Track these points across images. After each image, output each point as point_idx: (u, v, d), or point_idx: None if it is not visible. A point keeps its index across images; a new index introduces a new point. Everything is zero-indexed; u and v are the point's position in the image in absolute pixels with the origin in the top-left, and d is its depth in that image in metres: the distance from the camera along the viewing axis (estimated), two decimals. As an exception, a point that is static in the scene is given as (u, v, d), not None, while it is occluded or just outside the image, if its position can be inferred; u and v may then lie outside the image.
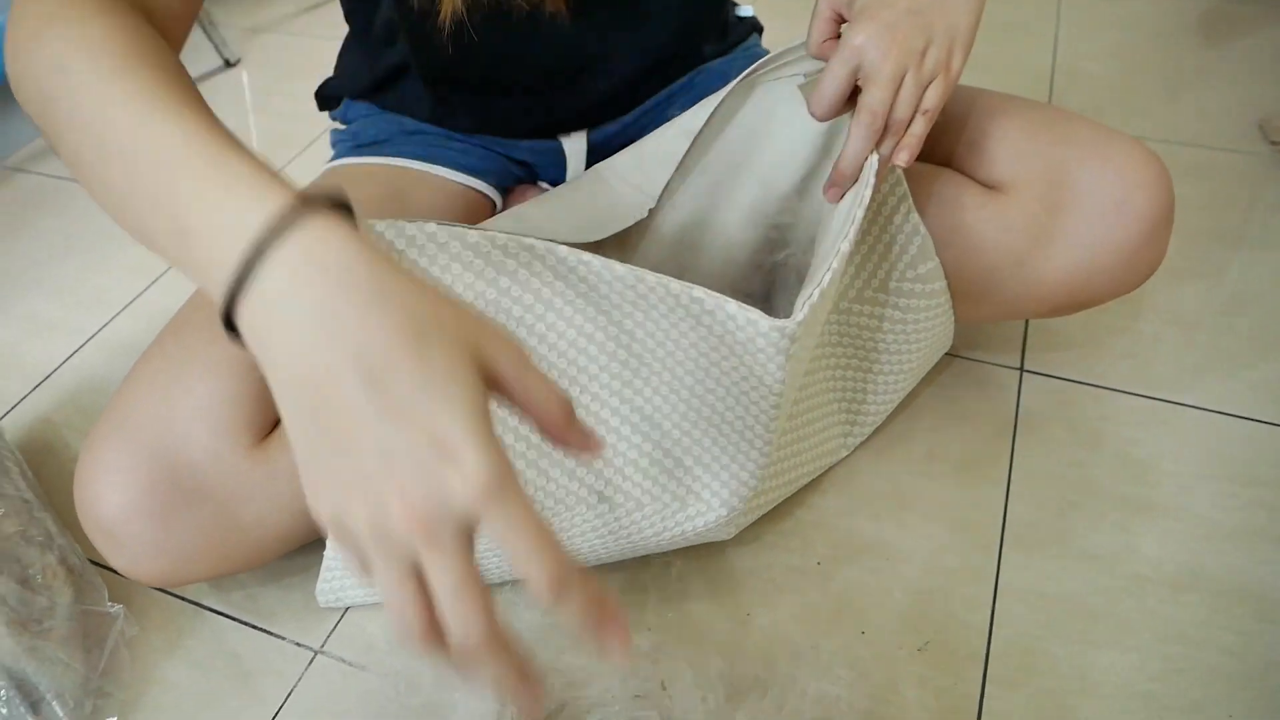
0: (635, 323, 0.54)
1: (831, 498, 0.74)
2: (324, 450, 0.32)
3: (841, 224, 0.55)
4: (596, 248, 0.66)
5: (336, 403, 0.32)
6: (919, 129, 0.58)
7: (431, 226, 0.51)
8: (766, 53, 0.90)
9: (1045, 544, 0.70)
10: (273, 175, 0.37)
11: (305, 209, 0.34)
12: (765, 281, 0.72)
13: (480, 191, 0.82)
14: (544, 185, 0.88)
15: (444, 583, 0.31)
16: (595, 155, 0.82)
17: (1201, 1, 1.45)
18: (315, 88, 0.84)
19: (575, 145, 0.81)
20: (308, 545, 0.66)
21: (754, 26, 0.92)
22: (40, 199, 1.14)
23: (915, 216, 0.66)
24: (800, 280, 0.69)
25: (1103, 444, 0.77)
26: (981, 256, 0.69)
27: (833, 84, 0.58)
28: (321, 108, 0.88)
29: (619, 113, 0.80)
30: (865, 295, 0.69)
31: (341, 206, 0.36)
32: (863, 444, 0.77)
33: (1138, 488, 0.74)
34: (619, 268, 0.51)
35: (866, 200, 0.54)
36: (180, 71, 0.44)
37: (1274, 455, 0.76)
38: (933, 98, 0.57)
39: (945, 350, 0.78)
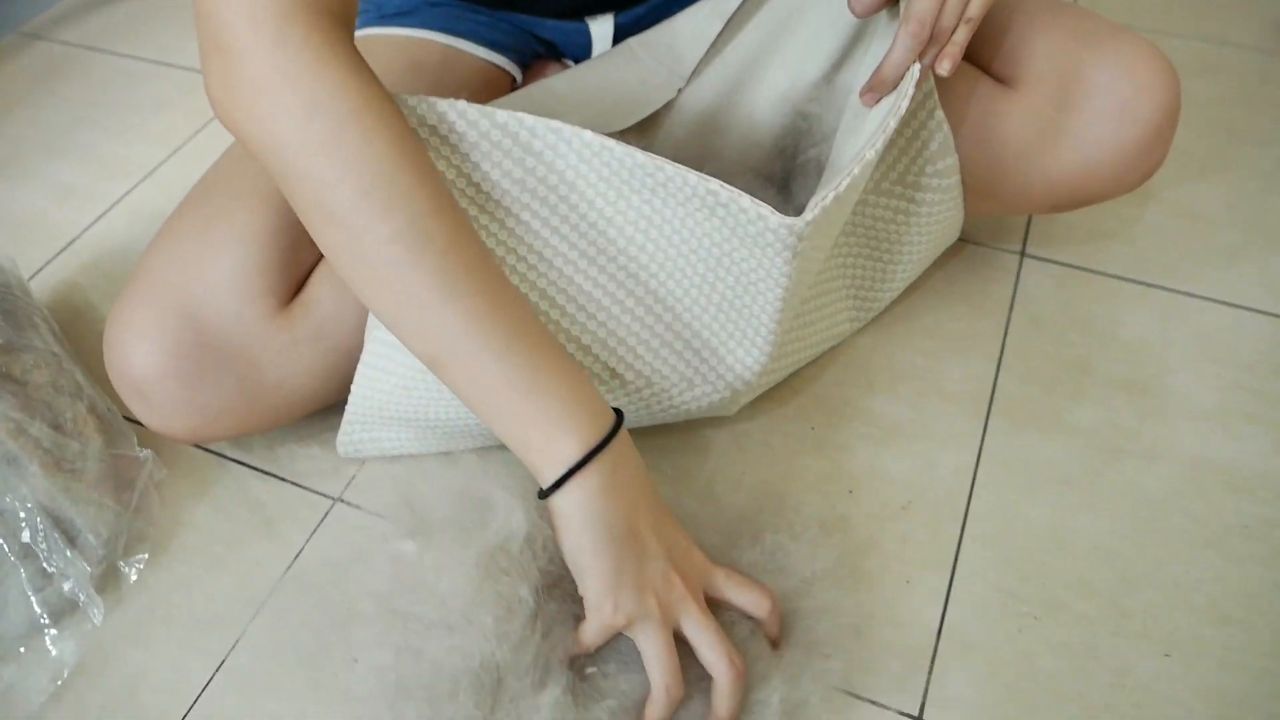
0: (653, 208, 0.56)
1: (830, 370, 0.77)
2: (629, 565, 0.51)
3: (872, 130, 0.56)
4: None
5: (640, 522, 0.52)
6: (961, 37, 0.58)
7: (463, 104, 0.52)
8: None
9: (1030, 416, 0.73)
10: (589, 402, 0.52)
11: (610, 438, 0.51)
12: (786, 167, 0.74)
13: (501, 67, 0.82)
14: (567, 62, 0.88)
15: (704, 629, 0.53)
16: (622, 38, 0.82)
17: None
18: None
19: (602, 28, 0.81)
20: (326, 408, 0.70)
21: None
22: (61, 65, 1.15)
23: (940, 113, 0.67)
24: (820, 169, 0.70)
25: (1094, 326, 0.80)
26: (991, 150, 0.70)
27: None
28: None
29: None
30: (883, 188, 0.71)
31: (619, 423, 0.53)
32: (869, 321, 0.80)
33: (1123, 367, 0.76)
34: (639, 155, 0.52)
35: (903, 111, 0.55)
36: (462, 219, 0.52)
37: (1259, 341, 0.78)
38: (976, 6, 0.57)
39: (954, 239, 0.79)
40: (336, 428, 0.69)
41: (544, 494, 0.51)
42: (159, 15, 1.22)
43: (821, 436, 0.73)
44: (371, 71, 0.50)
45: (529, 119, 0.53)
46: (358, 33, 0.81)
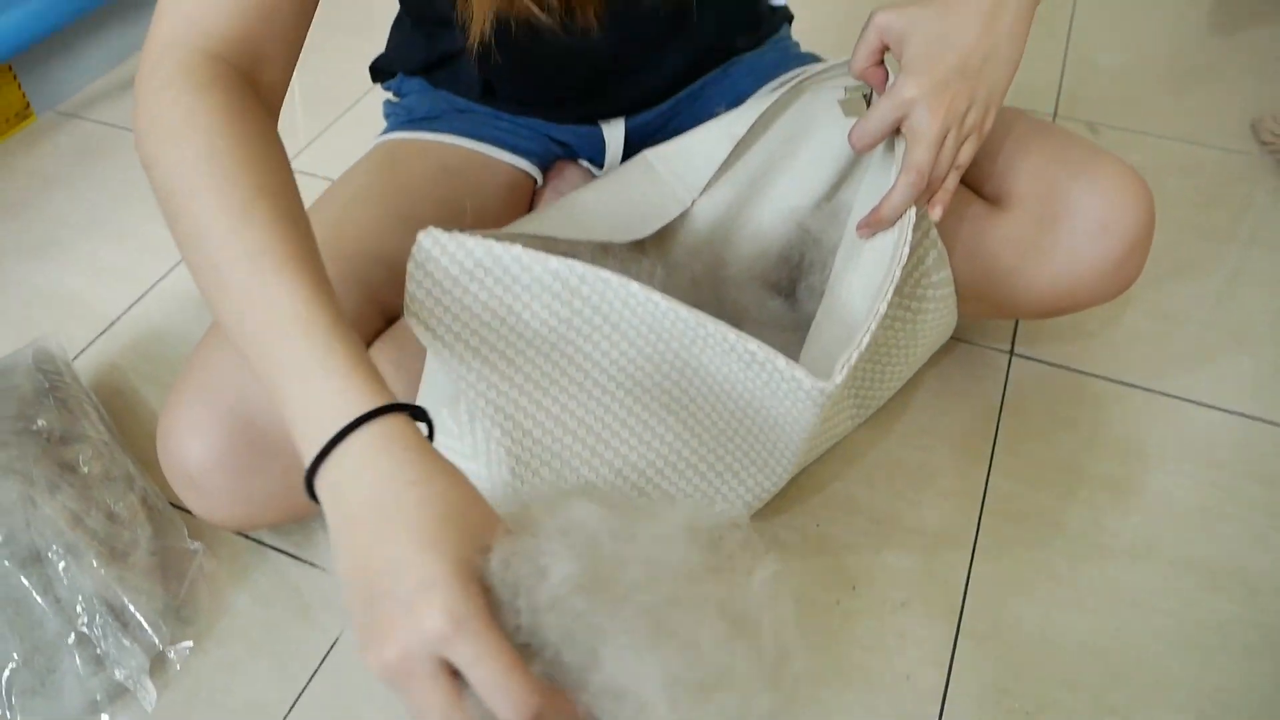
0: (692, 355, 0.61)
1: (831, 467, 0.82)
2: (378, 594, 0.39)
3: (874, 266, 0.62)
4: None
5: (379, 587, 0.39)
6: (952, 183, 0.65)
7: (518, 250, 0.57)
8: (795, 44, 0.97)
9: (1020, 514, 0.78)
10: (363, 370, 0.44)
11: (378, 415, 0.42)
12: (792, 276, 0.80)
13: (524, 170, 0.88)
14: (583, 163, 0.94)
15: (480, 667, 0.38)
16: (632, 139, 0.88)
17: (1214, -7, 1.49)
18: (358, 42, 0.89)
19: (614, 131, 0.87)
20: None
21: (785, 16, 0.98)
22: (98, 145, 1.20)
23: (934, 233, 0.73)
24: (824, 274, 0.76)
25: (1079, 425, 0.85)
26: (981, 264, 0.76)
27: (879, 125, 0.63)
28: (375, 79, 0.93)
29: (657, 101, 0.86)
30: None
31: (408, 409, 0.44)
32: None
33: (1107, 466, 0.82)
34: (683, 310, 0.57)
35: (905, 259, 0.61)
36: (294, 199, 0.50)
37: (1231, 441, 0.84)
38: (966, 154, 0.64)
39: (947, 339, 0.85)
40: None
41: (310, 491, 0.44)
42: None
43: (825, 533, 0.78)
44: (239, 89, 0.51)
45: (579, 267, 0.58)
46: (388, 136, 0.87)
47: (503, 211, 0.86)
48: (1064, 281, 0.75)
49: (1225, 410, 0.87)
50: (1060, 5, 1.46)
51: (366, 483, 0.41)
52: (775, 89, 0.75)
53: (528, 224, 0.69)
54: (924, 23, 0.62)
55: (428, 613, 0.37)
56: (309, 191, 0.83)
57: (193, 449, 0.65)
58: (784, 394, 0.60)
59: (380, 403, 0.43)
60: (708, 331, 0.58)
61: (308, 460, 0.43)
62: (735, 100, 0.89)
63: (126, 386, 0.91)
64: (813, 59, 0.93)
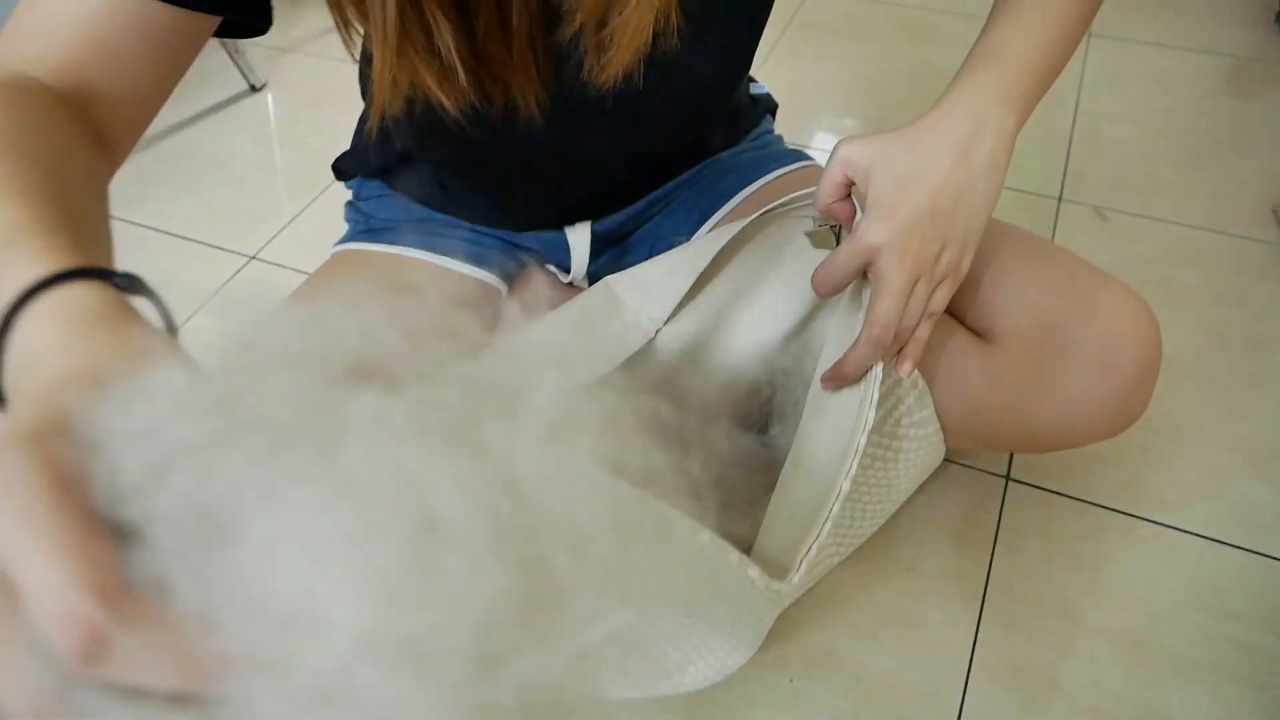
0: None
1: (809, 612, 0.76)
2: None
3: (847, 442, 0.56)
4: None
5: None
6: (923, 333, 0.59)
7: None
8: (778, 139, 0.91)
9: (1013, 671, 0.72)
10: (54, 251, 0.35)
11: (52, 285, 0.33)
12: (763, 409, 0.74)
13: (486, 282, 0.84)
14: (550, 269, 0.90)
15: None
16: (600, 244, 0.83)
17: (1231, 57, 1.42)
18: (340, 116, 0.86)
19: (579, 236, 0.82)
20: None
21: (767, 107, 0.93)
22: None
23: (916, 373, 0.67)
24: (797, 411, 0.70)
25: (1080, 564, 0.79)
26: (968, 402, 0.70)
27: (841, 272, 0.58)
28: (338, 178, 0.89)
29: (623, 204, 0.81)
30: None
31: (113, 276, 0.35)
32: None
33: (1110, 614, 0.75)
34: (626, 489, 0.52)
35: (870, 423, 0.55)
36: (69, 189, 0.43)
37: (1251, 585, 0.77)
38: (939, 301, 0.58)
39: (934, 469, 0.79)
40: None
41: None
42: (163, 178, 1.24)
43: (799, 690, 0.72)
44: (36, 106, 0.45)
45: None
46: (342, 246, 0.82)
47: (469, 326, 0.81)
48: (1061, 422, 0.69)
49: (1241, 549, 0.80)
50: (1067, 75, 1.39)
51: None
52: (733, 222, 0.70)
53: None
54: (890, 158, 0.57)
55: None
56: (280, 285, 0.78)
57: None
58: (737, 585, 0.54)
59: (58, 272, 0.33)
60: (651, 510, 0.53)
61: None
62: (711, 204, 0.84)
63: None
64: (796, 156, 0.87)
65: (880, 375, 0.58)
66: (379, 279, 0.78)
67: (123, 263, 1.13)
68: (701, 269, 0.68)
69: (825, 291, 0.60)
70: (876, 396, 0.56)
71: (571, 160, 0.74)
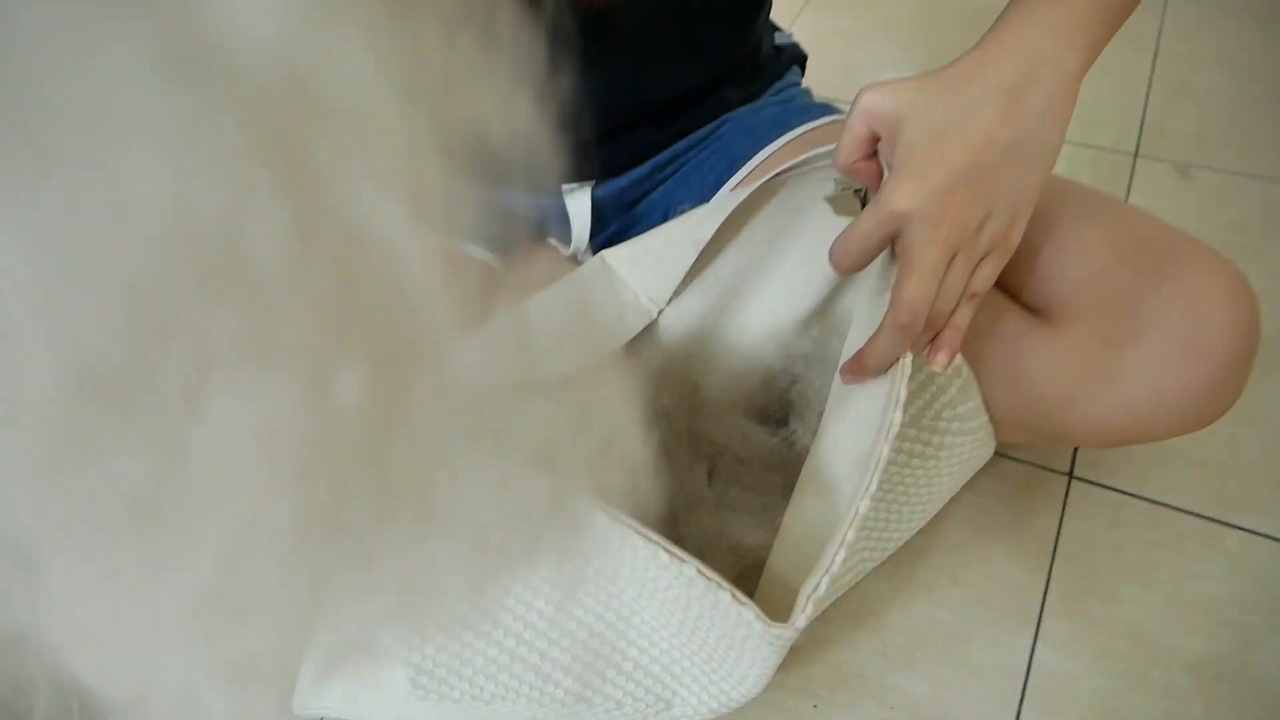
0: (617, 560, 0.47)
1: (837, 626, 0.67)
2: None
3: (864, 459, 0.47)
4: None
5: None
6: (963, 319, 0.48)
7: None
8: (806, 93, 0.80)
9: (1072, 703, 0.62)
10: None
11: None
12: (782, 399, 0.64)
13: (474, 257, 0.75)
14: (552, 242, 0.81)
15: None
16: (604, 213, 0.74)
17: (1338, -8, 1.26)
18: None
19: (578, 203, 0.73)
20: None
21: (794, 58, 0.82)
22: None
23: (960, 357, 0.57)
24: (820, 401, 0.60)
25: (1155, 578, 0.68)
26: (1024, 392, 0.60)
27: (862, 245, 0.48)
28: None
29: (626, 164, 0.72)
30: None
31: None
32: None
33: (1190, 638, 0.65)
34: (602, 516, 0.43)
35: (895, 429, 0.45)
36: None
37: (1360, 606, 0.66)
38: (983, 279, 0.48)
39: (983, 464, 0.69)
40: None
41: None
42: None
43: (824, 717, 0.63)
44: None
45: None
46: None
47: (460, 306, 0.73)
48: (1137, 413, 0.58)
49: (1349, 561, 0.68)
50: (1147, 9, 1.25)
51: None
52: (747, 184, 0.60)
53: None
54: (922, 106, 0.46)
55: None
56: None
57: None
58: (733, 623, 0.45)
59: None
60: (635, 547, 0.44)
61: None
62: (729, 164, 0.74)
63: None
64: (824, 110, 0.77)
65: (909, 369, 0.47)
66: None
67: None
68: (705, 241, 0.58)
69: (845, 268, 0.50)
70: (904, 395, 0.46)
71: None
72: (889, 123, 0.47)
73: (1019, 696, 0.63)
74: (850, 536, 0.43)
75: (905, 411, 0.57)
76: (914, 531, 0.68)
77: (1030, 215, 0.48)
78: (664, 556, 0.43)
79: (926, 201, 0.45)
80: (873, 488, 0.44)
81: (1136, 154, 1.04)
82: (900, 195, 0.45)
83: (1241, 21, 1.22)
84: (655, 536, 0.43)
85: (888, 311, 0.47)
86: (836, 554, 0.43)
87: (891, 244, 0.49)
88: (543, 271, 0.78)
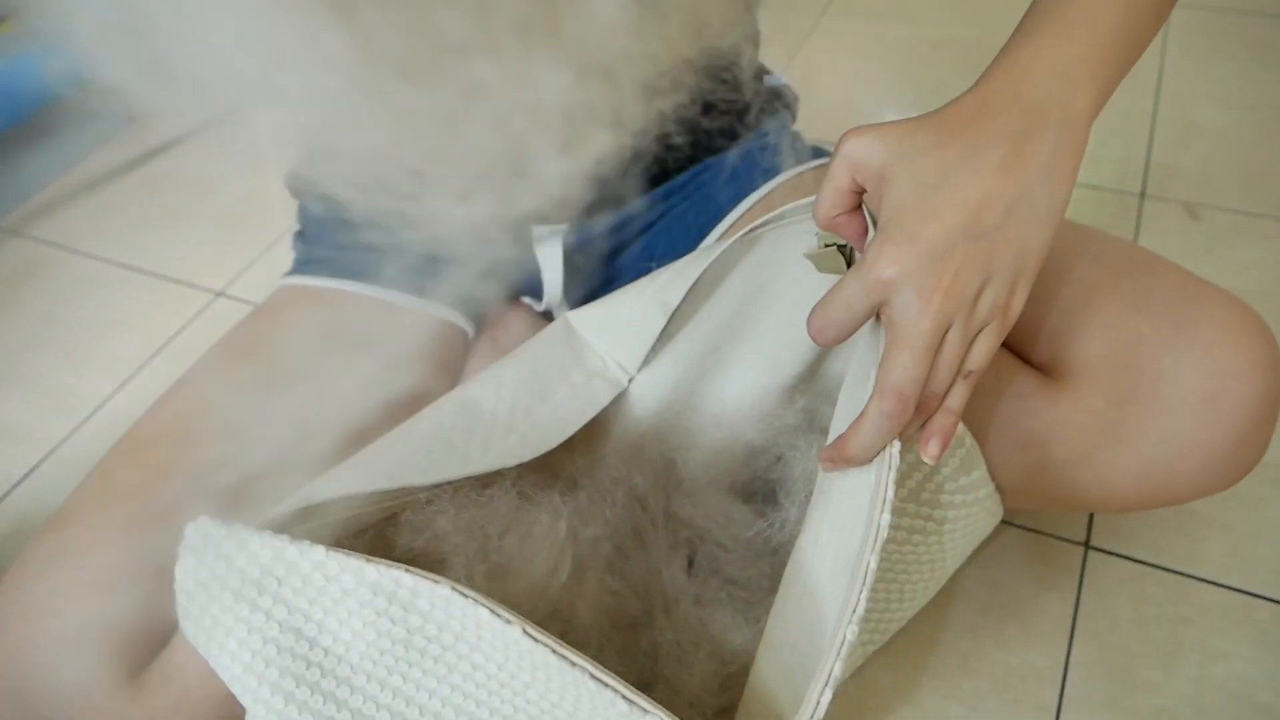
0: (574, 698, 0.41)
1: (838, 721, 0.62)
2: None
3: (849, 567, 0.42)
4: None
5: None
6: (957, 401, 0.43)
7: (319, 554, 0.40)
8: (796, 136, 0.77)
9: (1099, 807, 0.57)
10: None
11: None
12: (769, 479, 0.59)
13: (449, 321, 0.71)
14: (526, 300, 0.77)
15: None
16: (577, 264, 0.70)
17: (1343, 21, 1.22)
18: None
19: (550, 252, 0.69)
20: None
21: (784, 100, 0.78)
22: (30, 269, 1.08)
23: (961, 426, 0.52)
24: (811, 480, 0.55)
25: (1181, 659, 0.63)
26: (1033, 455, 0.55)
27: (845, 315, 0.43)
28: (293, 195, 0.77)
29: (600, 205, 0.68)
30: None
31: None
32: (883, 643, 0.65)
33: (1224, 729, 0.59)
34: (553, 659, 0.38)
35: (883, 533, 0.40)
36: None
37: (1407, 688, 0.60)
38: (980, 355, 0.43)
39: (988, 534, 0.64)
40: None
41: None
42: (135, 207, 1.15)
43: (826, 827, 0.57)
44: None
45: (407, 579, 0.40)
46: (286, 281, 0.71)
47: (426, 379, 0.68)
48: (1154, 476, 0.53)
49: (1393, 637, 0.63)
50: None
51: None
52: (729, 236, 0.55)
53: (375, 468, 0.50)
54: (912, 155, 0.41)
55: None
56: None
57: None
58: None
59: None
60: (590, 690, 0.39)
61: None
62: (711, 215, 0.70)
63: None
64: (815, 154, 0.73)
65: (895, 461, 0.42)
66: (308, 327, 0.66)
67: (84, 301, 1.01)
68: (674, 305, 0.54)
69: (825, 340, 0.44)
70: (891, 495, 0.41)
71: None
72: (874, 173, 0.42)
73: (1039, 799, 0.57)
74: (837, 672, 0.38)
75: (900, 488, 0.53)
76: (918, 609, 0.63)
77: (1033, 281, 0.44)
78: (622, 705, 0.38)
79: (917, 267, 0.40)
80: (860, 608, 0.39)
81: (1143, 194, 1.00)
82: (886, 260, 0.41)
83: (1242, 60, 1.18)
84: (612, 680, 0.38)
85: (872, 395, 0.42)
86: (822, 694, 0.37)
87: (876, 316, 0.44)
88: (515, 333, 0.74)
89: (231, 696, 0.53)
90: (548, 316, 0.75)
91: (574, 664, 0.38)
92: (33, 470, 0.86)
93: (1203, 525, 0.70)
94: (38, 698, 0.50)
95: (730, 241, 0.53)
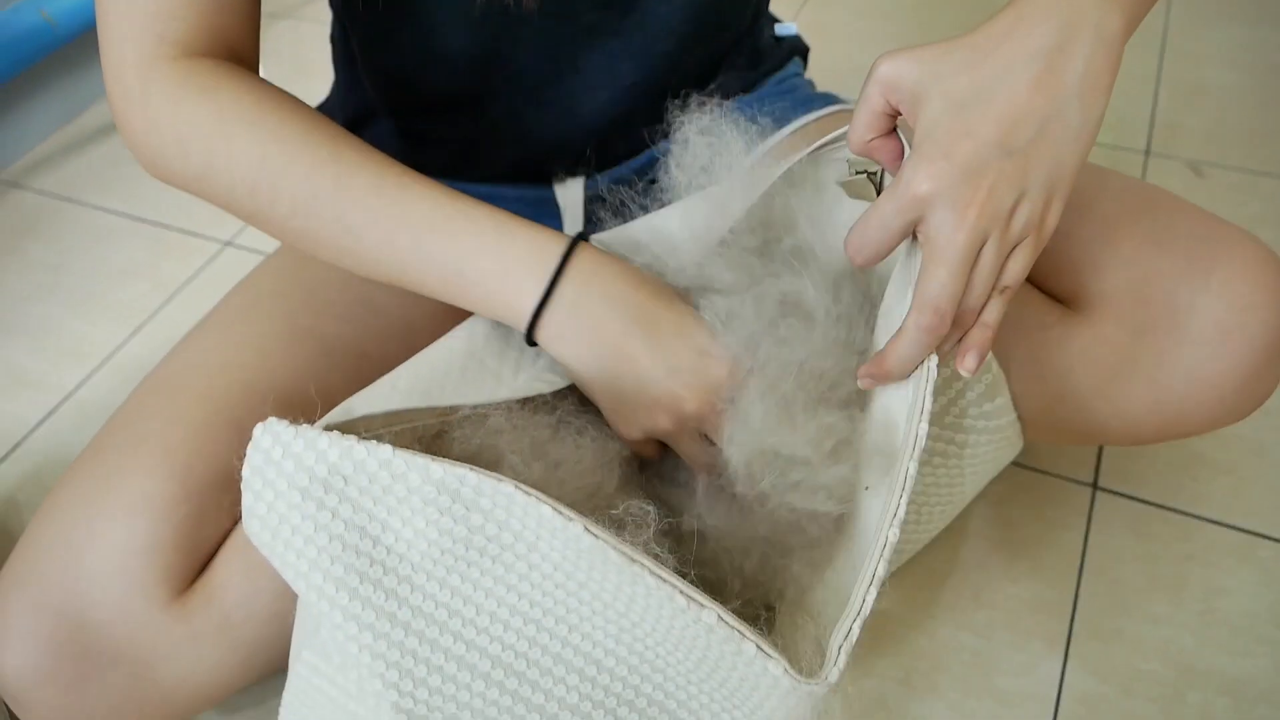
0: (634, 592, 0.43)
1: (856, 651, 0.63)
2: (627, 393, 0.49)
3: (894, 467, 0.43)
4: None
5: (628, 351, 0.48)
6: (993, 316, 0.44)
7: (386, 452, 0.41)
8: (808, 84, 0.77)
9: (1108, 731, 0.59)
10: (530, 224, 0.50)
11: (574, 245, 0.49)
12: None
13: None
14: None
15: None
16: (596, 212, 0.70)
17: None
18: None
19: (571, 194, 0.69)
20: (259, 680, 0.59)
21: (795, 48, 0.78)
22: (33, 220, 1.07)
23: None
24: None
25: (1186, 593, 0.65)
26: (1052, 385, 0.57)
27: (881, 234, 0.43)
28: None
29: (620, 155, 0.68)
30: None
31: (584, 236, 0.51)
32: (899, 578, 0.66)
33: (1226, 657, 0.62)
34: (613, 555, 0.40)
35: (921, 443, 0.41)
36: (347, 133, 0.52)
37: (1403, 620, 0.63)
38: (1016, 270, 0.43)
39: (1006, 464, 0.65)
40: (274, 700, 0.57)
41: (530, 340, 0.50)
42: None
43: (845, 751, 0.59)
44: (241, 76, 0.51)
45: (471, 477, 0.41)
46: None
47: (441, 317, 0.69)
48: (1170, 406, 0.55)
49: (1389, 572, 0.65)
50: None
51: (598, 294, 0.48)
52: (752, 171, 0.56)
53: (415, 383, 0.51)
54: (947, 75, 0.42)
55: (714, 364, 0.48)
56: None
57: (10, 657, 0.51)
58: (758, 676, 0.41)
59: (567, 240, 0.49)
60: (648, 586, 0.40)
61: (531, 305, 0.48)
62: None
63: (20, 531, 0.77)
64: (828, 100, 0.73)
65: (933, 374, 0.44)
66: (327, 290, 0.66)
67: (90, 251, 1.00)
68: (733, 217, 0.54)
69: (862, 260, 0.45)
70: (930, 406, 0.43)
71: (563, 87, 0.62)
72: (909, 95, 0.43)
73: (1050, 723, 0.60)
74: (880, 572, 0.39)
75: (929, 423, 0.54)
76: (933, 534, 0.65)
77: (1067, 197, 0.44)
78: (680, 600, 0.39)
79: (952, 183, 0.41)
80: (901, 512, 0.40)
81: (1148, 152, 1.01)
82: (921, 176, 0.41)
83: (1246, 21, 1.19)
84: (670, 576, 0.39)
85: (910, 311, 0.43)
86: (868, 594, 0.39)
87: (914, 232, 0.45)
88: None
89: (272, 616, 0.55)
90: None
91: (633, 560, 0.39)
92: (50, 414, 0.86)
93: (1208, 468, 0.72)
94: (87, 618, 0.51)
95: (784, 167, 0.53)
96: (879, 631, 0.64)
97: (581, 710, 0.47)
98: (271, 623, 0.55)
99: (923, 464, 0.57)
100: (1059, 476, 0.72)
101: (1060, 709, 0.60)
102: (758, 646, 0.38)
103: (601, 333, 0.48)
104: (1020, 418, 0.59)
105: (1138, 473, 0.72)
